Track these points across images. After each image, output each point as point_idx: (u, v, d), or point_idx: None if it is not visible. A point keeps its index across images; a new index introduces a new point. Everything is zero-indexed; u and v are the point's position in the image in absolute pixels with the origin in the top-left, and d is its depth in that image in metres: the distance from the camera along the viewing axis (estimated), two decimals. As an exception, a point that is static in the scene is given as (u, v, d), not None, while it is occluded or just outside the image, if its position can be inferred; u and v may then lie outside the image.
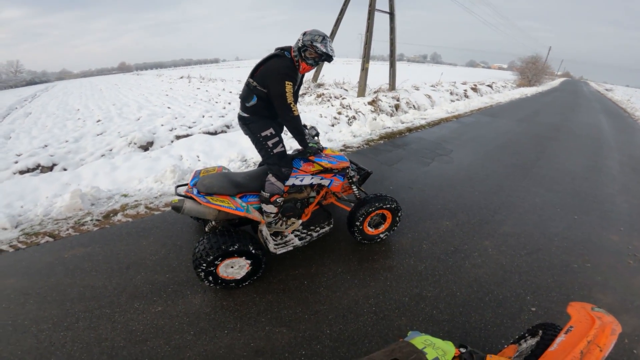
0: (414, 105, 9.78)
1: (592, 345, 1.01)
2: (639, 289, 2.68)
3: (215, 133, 6.86)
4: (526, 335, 1.53)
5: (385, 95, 9.59)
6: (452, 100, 12.24)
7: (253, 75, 2.29)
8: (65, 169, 5.46)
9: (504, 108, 12.50)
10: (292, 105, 2.19)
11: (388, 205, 2.79)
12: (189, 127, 7.35)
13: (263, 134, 2.35)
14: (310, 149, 2.48)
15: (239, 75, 24.76)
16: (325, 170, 2.63)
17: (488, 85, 18.34)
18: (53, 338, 2.03)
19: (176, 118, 8.45)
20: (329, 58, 2.29)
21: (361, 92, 9.68)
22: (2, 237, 3.20)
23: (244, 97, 2.39)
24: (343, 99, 9.05)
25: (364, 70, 9.65)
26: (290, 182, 2.54)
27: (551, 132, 8.49)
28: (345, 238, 3.09)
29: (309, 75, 11.57)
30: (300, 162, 2.57)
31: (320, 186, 2.77)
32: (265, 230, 2.54)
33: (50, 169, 5.63)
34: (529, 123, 9.61)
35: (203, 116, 8.41)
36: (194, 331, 2.09)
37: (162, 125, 7.68)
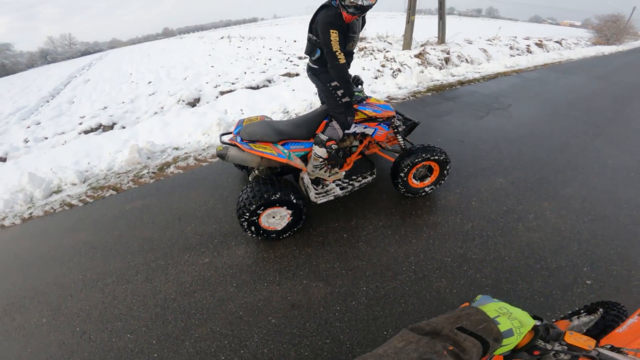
0: (466, 59, 8.81)
1: None
2: None
3: (257, 88, 6.90)
4: (582, 311, 1.36)
5: (434, 49, 8.73)
6: (512, 55, 10.79)
7: (310, 30, 2.36)
8: (124, 127, 5.93)
9: (575, 65, 10.75)
10: (337, 53, 2.18)
11: (436, 157, 2.63)
12: (232, 84, 7.48)
13: (333, 84, 2.36)
14: (355, 98, 2.42)
15: (278, 32, 24.13)
16: (369, 119, 2.56)
17: (556, 42, 15.77)
18: (116, 292, 2.21)
19: (219, 76, 8.62)
20: (364, 9, 2.15)
21: (407, 45, 8.91)
22: (73, 192, 3.58)
23: (309, 52, 2.46)
24: (387, 52, 8.44)
25: (410, 22, 8.78)
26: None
27: (633, 92, 7.18)
28: (388, 190, 3.01)
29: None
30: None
31: (364, 135, 2.69)
32: (306, 179, 2.58)
33: (111, 127, 6.17)
34: (607, 81, 8.21)
35: (245, 73, 8.49)
36: (236, 283, 2.19)
37: (207, 82, 7.92)
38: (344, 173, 2.71)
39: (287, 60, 10.17)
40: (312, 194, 2.56)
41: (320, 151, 2.46)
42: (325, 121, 2.51)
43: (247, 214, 2.24)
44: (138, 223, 2.86)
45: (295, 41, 15.82)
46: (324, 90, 2.47)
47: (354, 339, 1.81)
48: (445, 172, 2.79)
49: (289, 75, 7.76)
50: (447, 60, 8.28)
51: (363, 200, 2.90)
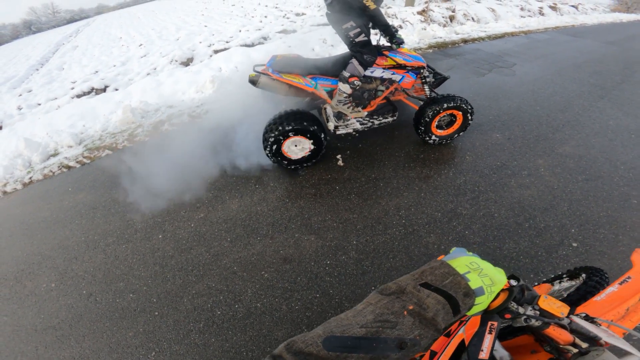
0: (472, 18, 8.36)
1: None
2: None
3: (252, 45, 6.64)
4: (564, 276, 1.33)
5: (438, 6, 8.26)
6: (522, 17, 10.24)
7: None
8: (116, 89, 5.81)
9: (589, 29, 10.17)
10: (365, 1, 2.32)
11: (460, 105, 2.71)
12: (227, 42, 7.23)
13: (344, 26, 2.47)
14: (397, 39, 2.58)
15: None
16: (399, 66, 2.66)
17: (572, 6, 14.82)
18: (117, 252, 2.23)
19: (213, 35, 8.29)
20: None
21: (410, 2, 8.44)
22: (69, 154, 3.57)
23: None
24: (388, 7, 8.01)
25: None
26: None
27: (646, 58, 6.89)
28: (382, 143, 3.00)
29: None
30: (377, 55, 2.63)
31: (391, 81, 2.75)
32: (329, 109, 2.77)
33: (104, 90, 6.07)
34: (620, 47, 7.80)
35: (240, 31, 8.16)
36: (230, 238, 2.21)
37: (200, 42, 7.64)
38: (365, 113, 2.82)
39: (283, 17, 9.65)
40: (331, 124, 2.77)
41: (344, 87, 2.59)
42: None
43: (272, 138, 2.45)
44: (134, 181, 2.85)
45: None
46: (339, 31, 2.57)
47: (343, 293, 1.85)
48: (468, 121, 2.86)
49: (285, 32, 7.41)
50: (452, 18, 7.86)
51: (357, 152, 2.89)
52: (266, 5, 13.19)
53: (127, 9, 41.65)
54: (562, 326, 0.64)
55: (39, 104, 6.22)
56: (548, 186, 2.57)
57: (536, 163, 2.82)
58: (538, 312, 0.66)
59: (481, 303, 0.57)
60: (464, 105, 2.70)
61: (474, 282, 0.56)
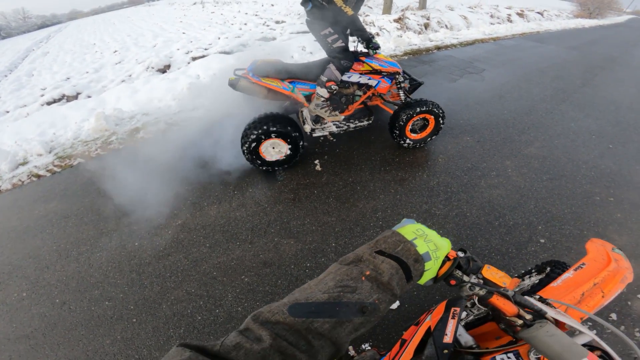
0: (446, 25, 8.73)
1: (596, 289, 0.90)
2: None
3: (230, 53, 6.62)
4: (533, 271, 1.40)
5: (414, 14, 8.57)
6: (492, 24, 10.77)
7: None
8: (89, 97, 5.62)
9: (553, 35, 10.82)
10: (343, 7, 2.41)
11: (432, 109, 2.84)
12: (205, 49, 7.16)
13: (322, 33, 2.57)
14: (373, 44, 2.68)
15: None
16: (374, 72, 2.76)
17: (538, 12, 15.73)
18: (91, 260, 2.18)
19: (191, 42, 8.19)
20: None
21: (387, 10, 8.71)
22: (39, 163, 3.43)
23: (303, 3, 2.67)
24: (366, 15, 8.22)
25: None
26: None
27: (605, 63, 7.36)
28: (358, 147, 3.08)
29: None
30: (354, 61, 2.73)
31: (368, 86, 2.84)
32: (306, 112, 2.82)
33: (75, 97, 5.85)
34: (581, 52, 8.35)
35: (219, 38, 8.10)
36: (209, 243, 2.20)
37: (178, 49, 7.53)
38: (342, 117, 2.89)
39: (263, 24, 9.69)
40: (307, 127, 2.84)
41: (322, 91, 2.68)
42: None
43: (254, 135, 2.50)
44: (108, 189, 2.78)
45: (272, 5, 15.01)
46: (318, 37, 2.66)
47: None
48: (440, 125, 2.97)
49: (264, 39, 7.46)
50: (426, 25, 8.17)
51: (334, 157, 2.95)
52: (246, 13, 13.18)
53: (101, 15, 40.46)
54: (506, 296, 0.66)
55: (7, 112, 5.94)
56: (515, 186, 2.71)
57: (504, 164, 2.98)
58: (482, 281, 0.69)
59: (430, 269, 0.61)
60: (435, 110, 2.82)
61: (420, 248, 0.60)
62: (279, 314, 0.48)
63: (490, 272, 0.70)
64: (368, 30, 2.72)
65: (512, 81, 5.21)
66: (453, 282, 0.68)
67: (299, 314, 0.48)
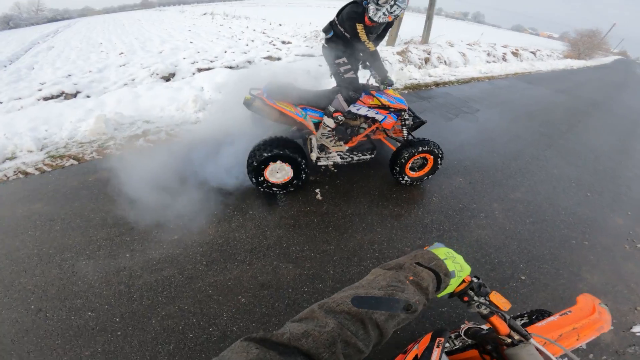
0: (445, 61, 9.15)
1: (573, 332, 1.02)
2: (626, 274, 2.63)
3: (236, 67, 6.75)
4: (525, 314, 1.54)
5: (416, 48, 8.97)
6: (487, 62, 11.33)
7: (337, 15, 2.72)
8: (88, 96, 5.55)
9: (543, 76, 11.52)
10: (366, 43, 2.57)
11: (432, 149, 2.94)
12: (211, 61, 7.25)
13: (337, 61, 2.70)
14: (388, 81, 2.76)
15: (264, 13, 23.40)
16: (382, 107, 2.85)
17: (531, 52, 16.66)
18: (76, 267, 2.09)
19: (198, 52, 8.29)
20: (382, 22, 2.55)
21: (391, 41, 9.10)
22: (28, 160, 3.29)
23: (325, 30, 2.81)
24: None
25: (398, 19, 8.94)
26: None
27: (588, 107, 7.88)
28: (359, 180, 3.18)
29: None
30: (362, 93, 2.82)
31: (374, 120, 2.96)
32: (314, 140, 2.90)
33: (74, 96, 5.75)
34: (568, 95, 8.91)
35: (225, 51, 8.24)
36: (206, 261, 2.18)
37: (184, 58, 7.60)
38: (346, 148, 2.99)
39: (270, 43, 9.93)
40: (314, 154, 2.93)
41: (329, 121, 2.77)
42: None
43: (257, 160, 2.56)
44: (102, 195, 2.71)
45: (280, 25, 15.41)
46: (331, 64, 2.78)
47: None
48: (438, 165, 3.09)
49: (270, 58, 7.63)
50: (427, 60, 8.56)
51: (334, 188, 3.04)
52: (254, 30, 13.45)
53: (112, 15, 40.51)
54: (503, 318, 0.81)
55: (0, 102, 5.80)
56: (501, 227, 2.87)
57: (492, 206, 3.14)
58: (487, 303, 0.82)
59: (451, 284, 0.75)
60: (436, 150, 2.93)
61: (450, 266, 0.74)
62: (344, 304, 0.56)
63: (496, 297, 0.84)
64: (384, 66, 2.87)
65: (503, 123, 5.51)
66: (466, 298, 0.82)
67: (361, 304, 0.56)
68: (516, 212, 3.13)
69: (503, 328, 0.81)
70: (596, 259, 2.72)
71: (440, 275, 0.70)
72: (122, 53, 9.65)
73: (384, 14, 2.46)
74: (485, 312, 0.82)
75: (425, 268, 0.69)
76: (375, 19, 2.49)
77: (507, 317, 0.82)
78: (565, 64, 17.70)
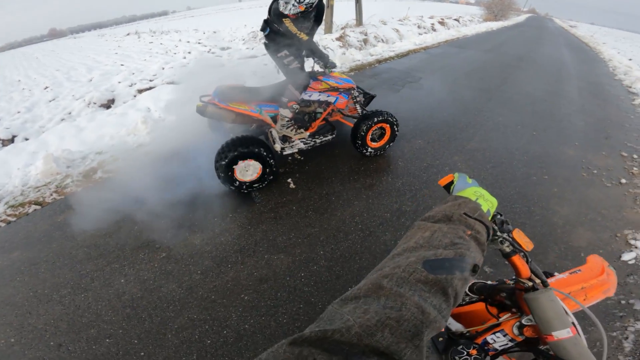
0: (382, 39, 9.55)
1: (581, 292, 0.98)
2: (593, 201, 2.86)
3: (180, 82, 6.52)
4: None
5: (353, 31, 9.25)
6: (419, 34, 11.99)
7: (269, 12, 2.81)
8: (27, 139, 5.11)
9: (470, 40, 12.46)
10: (297, 34, 2.66)
11: (387, 118, 3.12)
12: (150, 80, 6.92)
13: (279, 55, 2.78)
14: (330, 64, 2.91)
15: (195, 24, 22.54)
16: (332, 89, 2.98)
17: (455, 20, 17.88)
18: (76, 301, 2.07)
19: (133, 74, 7.83)
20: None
21: (328, 29, 9.26)
22: None
23: (263, 28, 2.86)
24: (310, 37, 8.69)
25: (329, 7, 9.11)
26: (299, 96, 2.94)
27: (515, 62, 8.69)
28: (326, 162, 3.29)
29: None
30: (310, 80, 2.92)
31: (327, 103, 3.08)
32: (274, 133, 2.94)
33: (12, 141, 5.26)
34: (495, 53, 9.74)
35: (163, 68, 7.86)
36: (200, 270, 2.19)
37: (119, 82, 7.17)
38: (308, 134, 3.09)
39: (208, 52, 9.65)
40: (277, 146, 2.97)
41: (285, 112, 2.85)
42: None
43: (224, 164, 2.57)
44: (76, 232, 2.62)
45: (215, 32, 14.98)
46: (275, 59, 2.85)
47: (324, 298, 1.98)
48: (395, 132, 3.28)
49: (212, 66, 7.46)
50: (365, 41, 8.86)
51: (305, 174, 3.12)
52: (188, 41, 12.91)
53: (19, 49, 36.59)
54: (526, 259, 0.77)
55: None
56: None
57: (453, 159, 3.41)
58: (510, 239, 0.77)
59: None
60: (390, 118, 3.13)
61: (483, 206, 0.63)
62: (416, 272, 0.44)
63: (519, 235, 0.79)
64: (324, 51, 2.96)
65: (446, 86, 5.92)
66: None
67: (434, 270, 0.45)
68: (476, 160, 3.42)
69: (525, 270, 0.77)
70: (560, 191, 2.98)
71: (488, 226, 0.59)
72: (47, 87, 8.88)
73: (293, 5, 2.59)
74: (507, 249, 0.76)
75: (474, 220, 0.57)
76: (287, 12, 2.61)
77: (529, 258, 0.78)
78: (486, 26, 19.25)
